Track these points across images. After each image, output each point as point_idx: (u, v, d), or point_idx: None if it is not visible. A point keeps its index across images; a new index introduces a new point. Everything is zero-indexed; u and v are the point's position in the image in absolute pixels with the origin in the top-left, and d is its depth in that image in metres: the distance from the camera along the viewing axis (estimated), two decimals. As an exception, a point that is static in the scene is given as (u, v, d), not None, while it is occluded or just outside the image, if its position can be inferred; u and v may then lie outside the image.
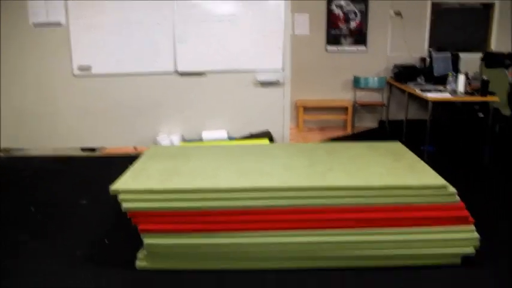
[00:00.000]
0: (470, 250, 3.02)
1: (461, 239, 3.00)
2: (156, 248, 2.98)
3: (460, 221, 2.99)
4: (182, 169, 3.32)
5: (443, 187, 2.97)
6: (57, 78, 5.71)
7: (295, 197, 2.92)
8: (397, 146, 3.91)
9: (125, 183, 3.04)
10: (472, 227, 3.01)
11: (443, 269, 3.02)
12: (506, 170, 5.37)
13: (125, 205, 2.92)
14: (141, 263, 3.05)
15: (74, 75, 5.68)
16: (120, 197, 2.94)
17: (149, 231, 2.94)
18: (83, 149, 6.18)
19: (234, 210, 2.92)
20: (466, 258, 3.06)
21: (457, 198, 2.98)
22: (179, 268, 3.03)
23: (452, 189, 2.98)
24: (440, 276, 2.95)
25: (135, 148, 5.97)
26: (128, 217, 2.98)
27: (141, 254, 3.06)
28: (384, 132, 7.51)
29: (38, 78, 5.75)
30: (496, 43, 7.79)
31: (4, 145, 5.97)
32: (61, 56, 5.66)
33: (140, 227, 2.93)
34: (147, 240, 2.94)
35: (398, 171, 3.22)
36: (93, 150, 6.26)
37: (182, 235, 2.95)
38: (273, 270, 3.00)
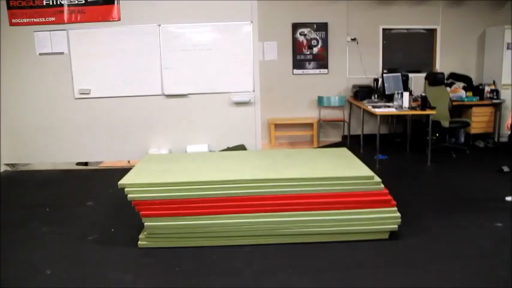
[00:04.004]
0: (393, 227, 3.93)
1: (386, 217, 3.90)
2: (155, 230, 3.86)
3: (385, 203, 3.90)
4: (173, 169, 4.23)
5: (371, 177, 3.90)
6: (60, 100, 6.57)
7: (259, 186, 3.83)
8: (343, 151, 4.85)
9: (129, 179, 3.93)
10: (395, 209, 3.90)
11: (375, 242, 3.91)
12: (438, 169, 6.34)
13: (130, 196, 3.81)
14: (142, 242, 3.93)
15: (75, 98, 6.51)
16: (126, 189, 3.81)
17: (149, 216, 3.83)
18: (78, 163, 7.00)
19: (214, 198, 3.82)
20: (392, 233, 3.96)
21: (382, 186, 3.89)
22: (173, 245, 3.89)
23: (378, 179, 3.89)
24: (372, 247, 3.84)
25: (128, 161, 6.80)
26: (132, 206, 3.87)
27: (142, 235, 3.94)
28: (345, 145, 8.38)
29: (43, 100, 6.59)
30: (440, 64, 8.71)
31: (11, 160, 6.76)
32: (64, 80, 6.50)
33: (142, 212, 3.82)
34: (148, 223, 3.84)
35: (339, 167, 4.17)
36: (85, 164, 7.07)
37: (175, 218, 3.83)
38: (245, 245, 3.88)
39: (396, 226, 3.93)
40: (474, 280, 3.24)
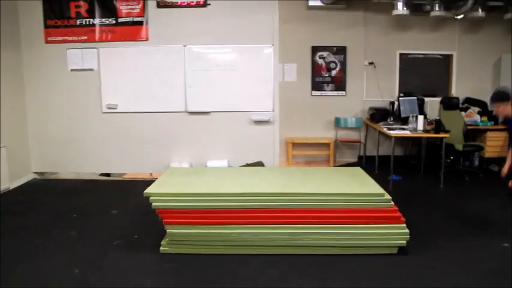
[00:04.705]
0: (402, 243, 4.13)
1: (395, 233, 4.10)
2: (176, 237, 4.12)
3: (394, 220, 4.10)
4: (195, 181, 4.50)
5: (382, 195, 4.11)
6: (88, 114, 6.92)
7: (275, 199, 4.08)
8: (357, 170, 5.07)
9: (154, 189, 4.20)
10: (404, 225, 4.10)
11: (384, 256, 4.11)
12: (450, 191, 6.50)
13: (154, 204, 4.07)
14: (164, 248, 4.18)
15: (103, 112, 6.85)
16: (151, 198, 4.08)
17: (171, 224, 4.09)
18: (101, 174, 7.31)
19: (233, 209, 4.08)
20: (401, 249, 4.15)
21: (392, 203, 4.09)
22: (192, 252, 4.14)
23: (388, 196, 4.10)
24: (381, 261, 4.03)
25: (150, 174, 7.08)
26: (154, 216, 4.13)
27: (164, 242, 4.20)
28: (360, 165, 8.56)
29: (72, 114, 6.96)
30: (456, 88, 8.89)
31: (40, 169, 7.10)
32: (93, 95, 6.87)
33: (165, 220, 4.08)
34: (170, 230, 4.09)
35: (352, 184, 4.39)
36: (108, 175, 7.37)
37: (196, 227, 4.09)
38: (261, 254, 4.11)
39: (405, 242, 4.12)
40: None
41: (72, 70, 6.83)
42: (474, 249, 4.34)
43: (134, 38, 6.73)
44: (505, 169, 4.70)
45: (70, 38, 6.74)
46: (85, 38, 6.73)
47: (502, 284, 3.60)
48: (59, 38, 6.72)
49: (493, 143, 8.08)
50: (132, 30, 6.72)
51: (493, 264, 3.98)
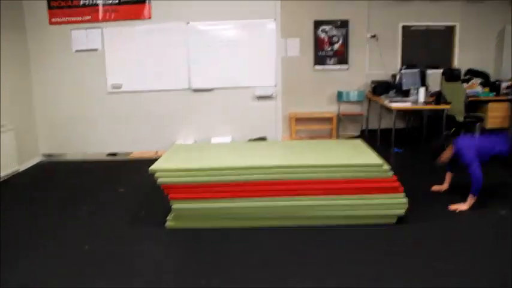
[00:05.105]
0: (401, 212, 4.25)
1: (394, 203, 4.22)
2: (181, 211, 4.26)
3: (393, 190, 4.21)
4: (199, 156, 4.62)
5: (381, 165, 4.21)
6: (94, 94, 7.01)
7: (278, 172, 4.19)
8: (357, 142, 5.17)
9: (159, 165, 4.32)
10: (402, 195, 4.21)
11: (383, 226, 4.24)
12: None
13: (160, 180, 4.20)
14: (170, 223, 4.33)
15: (108, 92, 6.96)
16: (156, 174, 4.21)
17: (177, 199, 4.22)
18: (108, 154, 7.45)
19: (236, 182, 4.19)
20: (400, 218, 4.28)
21: (391, 173, 4.19)
22: (198, 226, 4.29)
23: (387, 166, 4.20)
24: (381, 230, 4.17)
25: (156, 152, 7.21)
26: (160, 193, 4.27)
27: (169, 217, 4.34)
28: (363, 139, 8.62)
29: (77, 94, 7.05)
30: (458, 60, 8.92)
31: (48, 150, 7.24)
32: (97, 75, 6.95)
33: (170, 195, 4.21)
34: (175, 206, 4.23)
35: (352, 156, 4.48)
36: (114, 154, 7.50)
37: (200, 201, 4.22)
38: (264, 227, 4.25)
39: (403, 211, 4.24)
40: (476, 262, 3.56)
41: (76, 51, 6.90)
42: (472, 217, 4.45)
43: (137, 16, 6.78)
44: (436, 189, 5.25)
45: (74, 19, 6.79)
46: (89, 18, 6.78)
47: (497, 248, 3.73)
48: (63, 19, 6.78)
49: (494, 114, 8.17)
50: (135, 8, 6.77)
51: (490, 231, 4.11)
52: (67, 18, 6.78)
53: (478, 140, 4.96)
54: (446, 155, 4.84)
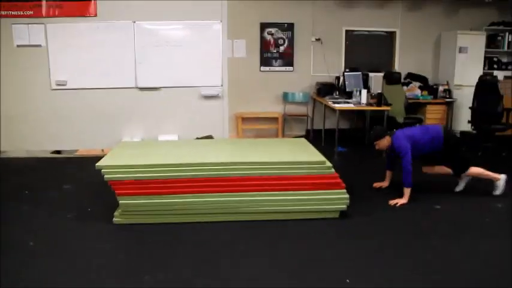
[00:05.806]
0: (343, 207, 4.42)
1: (336, 198, 4.39)
2: (128, 207, 4.26)
3: (335, 186, 4.38)
4: (145, 153, 4.64)
5: (323, 162, 4.38)
6: (37, 90, 6.84)
7: (224, 169, 4.27)
8: (301, 141, 5.33)
9: (106, 161, 4.32)
10: (344, 191, 4.38)
11: (326, 220, 4.40)
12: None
13: (106, 176, 4.20)
14: (117, 219, 4.32)
15: (52, 89, 6.81)
16: (103, 170, 4.20)
17: (124, 195, 4.22)
18: (52, 152, 7.30)
19: (183, 179, 4.25)
20: (342, 213, 4.45)
21: (333, 170, 4.36)
22: (144, 222, 4.30)
23: (329, 164, 4.37)
24: (324, 224, 4.33)
25: (102, 150, 7.11)
26: (106, 189, 4.26)
27: (117, 213, 4.34)
28: (308, 138, 8.84)
29: (19, 91, 6.84)
30: (398, 64, 9.30)
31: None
32: (41, 72, 6.78)
33: (117, 192, 4.21)
34: (122, 201, 4.23)
35: (296, 154, 4.64)
36: (59, 152, 7.36)
37: (147, 197, 4.24)
38: (211, 222, 4.32)
39: (345, 206, 4.42)
40: (415, 252, 3.77)
41: (18, 46, 6.73)
42: (409, 210, 4.70)
43: (83, 13, 6.68)
44: (377, 185, 5.52)
45: (15, 13, 6.60)
46: (31, 13, 6.61)
47: (431, 238, 3.97)
48: (3, 13, 6.56)
49: (432, 116, 8.59)
50: (80, 5, 6.66)
51: (425, 224, 4.35)
52: (7, 12, 6.57)
53: (414, 131, 5.24)
54: (383, 143, 5.11)
